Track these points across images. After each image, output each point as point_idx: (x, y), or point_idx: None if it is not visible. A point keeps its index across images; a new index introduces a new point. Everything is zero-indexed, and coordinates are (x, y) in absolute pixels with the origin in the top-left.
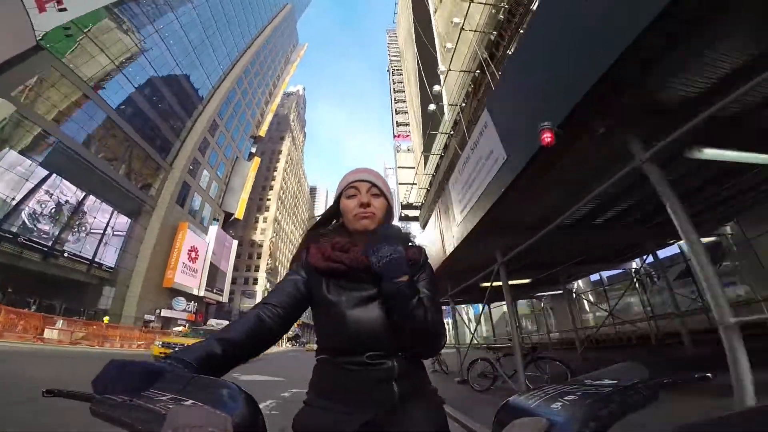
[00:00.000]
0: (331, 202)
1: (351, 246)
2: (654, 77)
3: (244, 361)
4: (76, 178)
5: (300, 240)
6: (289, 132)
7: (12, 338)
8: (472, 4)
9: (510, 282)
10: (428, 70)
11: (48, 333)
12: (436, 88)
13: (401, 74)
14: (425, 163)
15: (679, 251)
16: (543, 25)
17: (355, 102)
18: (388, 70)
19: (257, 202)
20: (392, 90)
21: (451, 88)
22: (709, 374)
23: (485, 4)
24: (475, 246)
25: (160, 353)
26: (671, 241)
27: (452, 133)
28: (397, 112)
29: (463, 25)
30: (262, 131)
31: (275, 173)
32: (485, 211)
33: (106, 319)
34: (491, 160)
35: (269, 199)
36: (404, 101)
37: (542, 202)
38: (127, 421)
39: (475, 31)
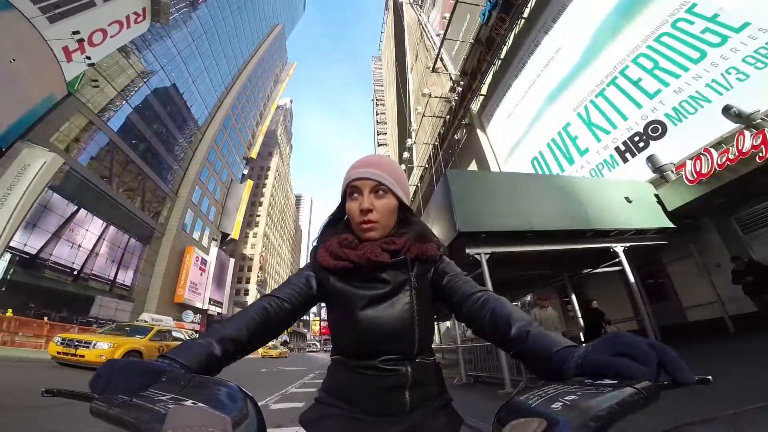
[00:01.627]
0: (314, 213)
1: (358, 243)
2: None
3: (244, 355)
4: (101, 211)
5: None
6: (277, 147)
7: None
8: (430, 98)
9: None
10: (404, 127)
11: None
12: (405, 155)
13: (384, 105)
14: None
15: None
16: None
17: (337, 106)
18: (372, 100)
19: (247, 218)
20: (375, 122)
21: (419, 150)
22: (709, 377)
23: (439, 97)
24: None
25: (58, 353)
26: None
27: (419, 184)
28: (379, 145)
29: (424, 112)
30: (254, 153)
31: (264, 190)
32: None
33: None
34: None
35: (259, 215)
36: (386, 133)
37: None
38: (127, 421)
39: (433, 116)
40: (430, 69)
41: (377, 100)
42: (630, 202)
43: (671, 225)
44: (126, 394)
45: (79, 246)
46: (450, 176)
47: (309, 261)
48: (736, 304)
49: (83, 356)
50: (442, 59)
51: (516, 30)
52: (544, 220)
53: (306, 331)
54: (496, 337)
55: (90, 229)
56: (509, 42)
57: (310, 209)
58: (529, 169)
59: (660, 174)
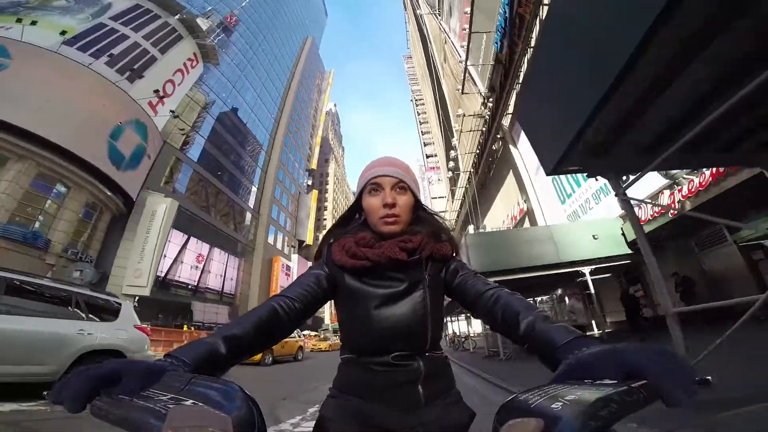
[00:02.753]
0: None
1: (375, 241)
2: None
3: (252, 355)
4: (206, 237)
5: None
6: (331, 153)
7: None
8: (465, 116)
9: None
10: (445, 126)
11: None
12: (451, 164)
13: (424, 104)
14: (452, 200)
15: None
16: None
17: (376, 98)
18: (411, 100)
19: (316, 224)
20: (418, 122)
21: (464, 157)
22: (709, 377)
23: (472, 115)
24: None
25: None
26: None
27: (467, 186)
28: (425, 144)
29: (461, 129)
30: (314, 164)
31: (327, 195)
32: None
33: None
34: None
35: (326, 219)
36: (430, 132)
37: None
38: (127, 421)
39: (470, 131)
40: (460, 91)
41: (416, 99)
42: (596, 238)
43: (629, 251)
44: (126, 394)
45: (197, 267)
46: (467, 238)
47: (321, 259)
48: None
49: None
50: (471, 77)
51: (527, 57)
52: (528, 259)
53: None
54: (509, 335)
55: (201, 252)
56: (524, 67)
57: None
58: (550, 186)
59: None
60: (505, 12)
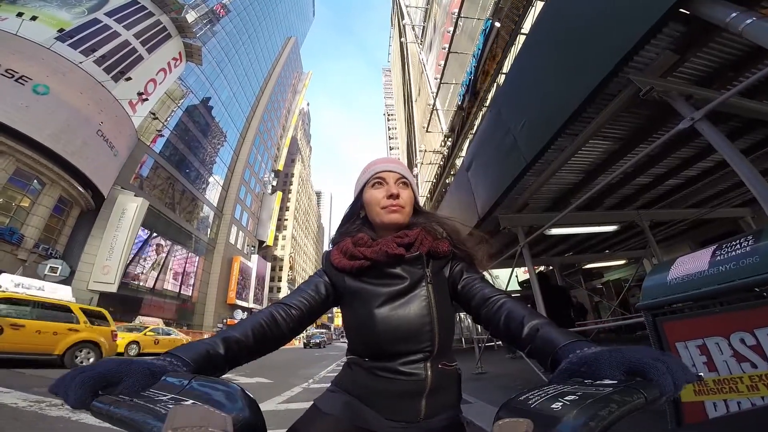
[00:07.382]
0: (335, 207)
1: (373, 240)
2: None
3: (249, 360)
4: (169, 234)
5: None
6: (298, 153)
7: None
8: (426, 152)
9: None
10: (410, 149)
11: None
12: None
13: (395, 120)
14: None
15: None
16: None
17: (348, 97)
18: (384, 114)
19: (277, 224)
20: (387, 137)
21: (422, 183)
22: (701, 374)
23: (433, 151)
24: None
25: None
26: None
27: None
28: None
29: (422, 161)
30: (281, 165)
31: (290, 195)
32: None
33: None
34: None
35: (287, 219)
36: (398, 148)
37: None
38: (127, 421)
39: (430, 163)
40: (425, 128)
41: (388, 114)
42: (497, 278)
43: (519, 288)
44: (127, 394)
45: (158, 264)
46: None
47: (321, 265)
48: None
49: None
50: (438, 114)
51: (483, 112)
52: None
53: (330, 324)
54: (510, 338)
55: (162, 249)
56: (479, 119)
57: (330, 206)
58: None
59: None
60: (471, 72)
